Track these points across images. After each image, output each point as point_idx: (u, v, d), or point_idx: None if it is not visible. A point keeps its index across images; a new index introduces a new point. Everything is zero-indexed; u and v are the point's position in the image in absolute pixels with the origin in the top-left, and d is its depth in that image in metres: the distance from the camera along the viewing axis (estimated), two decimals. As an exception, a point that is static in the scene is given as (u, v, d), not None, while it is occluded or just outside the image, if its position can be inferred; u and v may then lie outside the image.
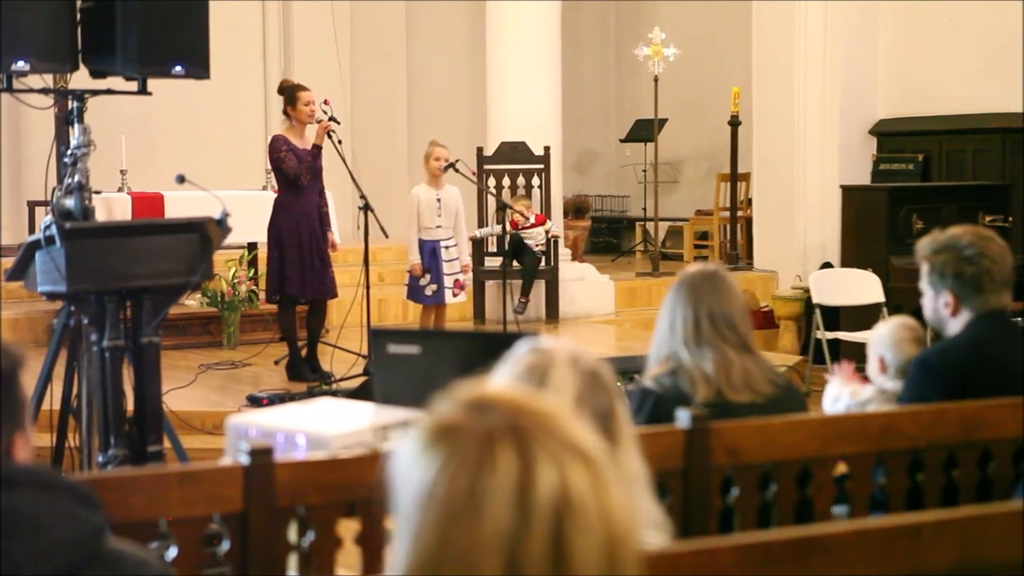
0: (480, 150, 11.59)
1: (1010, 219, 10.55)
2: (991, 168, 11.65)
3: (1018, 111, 11.51)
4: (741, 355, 3.77)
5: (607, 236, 16.74)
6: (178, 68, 5.89)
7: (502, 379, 2.52)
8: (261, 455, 3.04)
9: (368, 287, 8.77)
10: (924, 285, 4.09)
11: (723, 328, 3.77)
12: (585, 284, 11.98)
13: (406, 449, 1.40)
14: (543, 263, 11.30)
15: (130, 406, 5.57)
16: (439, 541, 1.34)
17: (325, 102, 8.78)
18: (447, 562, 1.33)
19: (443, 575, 1.33)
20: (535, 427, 1.37)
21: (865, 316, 9.73)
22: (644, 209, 15.05)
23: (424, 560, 1.34)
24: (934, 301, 4.07)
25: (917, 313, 4.44)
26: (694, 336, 3.77)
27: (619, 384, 7.86)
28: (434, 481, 1.35)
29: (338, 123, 8.72)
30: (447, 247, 9.49)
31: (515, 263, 11.05)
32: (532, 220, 11.12)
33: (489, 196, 11.12)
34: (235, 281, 10.11)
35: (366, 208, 8.61)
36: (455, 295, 9.63)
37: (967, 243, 3.98)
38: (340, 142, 8.68)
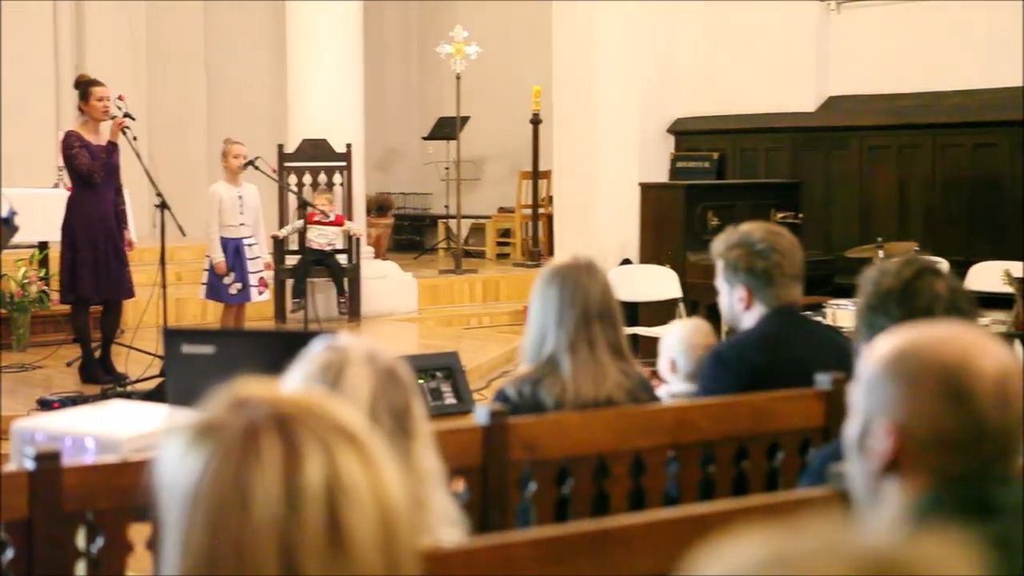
0: (281, 147, 11.47)
1: (800, 215, 10.86)
2: (783, 166, 11.99)
3: (809, 111, 11.88)
4: (614, 361, 3.77)
5: (410, 234, 16.73)
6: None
7: (297, 377, 2.49)
8: (47, 460, 2.95)
9: (165, 286, 8.61)
10: (719, 281, 4.17)
11: (603, 326, 3.76)
12: (387, 282, 11.96)
13: (169, 452, 1.38)
14: (345, 261, 11.25)
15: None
16: (209, 539, 1.33)
17: (120, 98, 8.59)
18: (220, 560, 1.32)
19: (217, 574, 1.31)
20: (297, 415, 1.37)
21: (663, 311, 9.91)
22: (447, 207, 15.09)
23: (196, 561, 1.33)
24: (729, 296, 4.15)
25: (714, 308, 4.53)
26: (573, 336, 3.74)
27: (421, 382, 7.80)
28: (199, 480, 1.34)
29: (133, 119, 8.53)
30: (250, 245, 9.38)
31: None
32: (332, 217, 11.05)
33: (290, 194, 11.02)
34: (25, 281, 9.81)
35: (163, 206, 8.44)
36: (260, 293, 9.52)
37: (758, 239, 4.07)
38: (135, 139, 8.49)
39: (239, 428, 1.36)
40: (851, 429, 1.96)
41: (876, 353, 1.94)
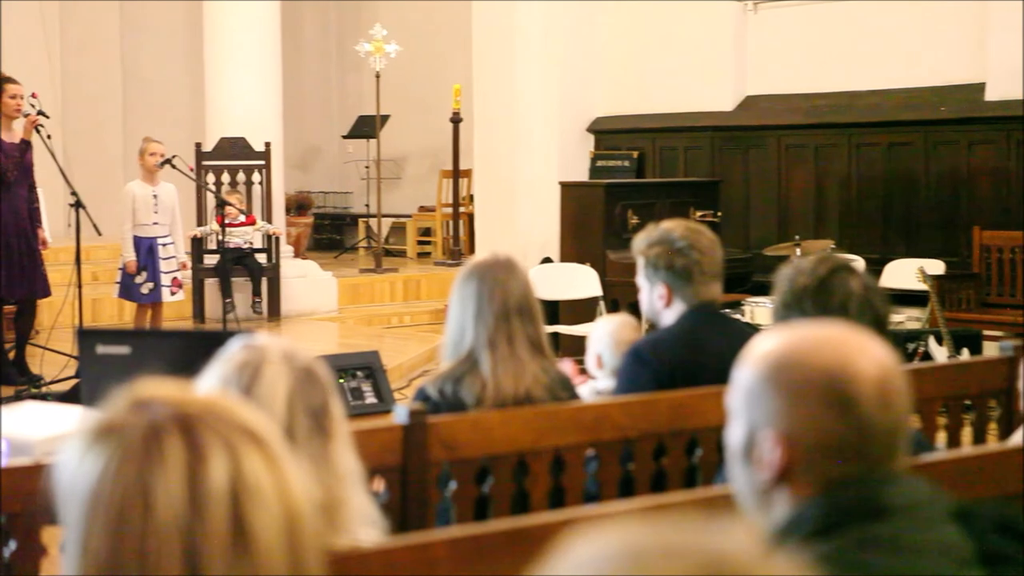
0: (199, 146, 11.37)
1: (719, 214, 10.93)
2: (702, 165, 12.08)
3: (727, 110, 11.97)
4: (533, 358, 3.77)
5: (330, 233, 16.65)
6: None
7: (213, 377, 2.47)
8: (-43, 463, 2.90)
9: (80, 286, 8.50)
10: (640, 279, 4.19)
11: (523, 322, 3.76)
12: (307, 281, 11.90)
13: (69, 453, 1.37)
14: (265, 260, 11.18)
15: None
16: (112, 541, 1.32)
17: (33, 95, 8.48)
18: (122, 561, 1.31)
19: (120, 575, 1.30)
20: (201, 415, 1.37)
21: (583, 310, 9.94)
22: (367, 205, 15.04)
23: (98, 563, 1.31)
24: (649, 294, 4.16)
25: (634, 306, 4.55)
26: (492, 332, 3.74)
27: (342, 381, 7.75)
28: (100, 481, 1.33)
29: (47, 117, 8.43)
30: (164, 244, 9.29)
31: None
32: (243, 218, 10.98)
33: (208, 193, 10.93)
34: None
35: (78, 205, 8.35)
36: (173, 293, 9.43)
37: (678, 236, 4.09)
38: (49, 137, 8.38)
39: (141, 429, 1.35)
40: (734, 437, 1.95)
41: (754, 359, 1.93)
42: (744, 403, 1.93)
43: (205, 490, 1.32)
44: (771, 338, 1.96)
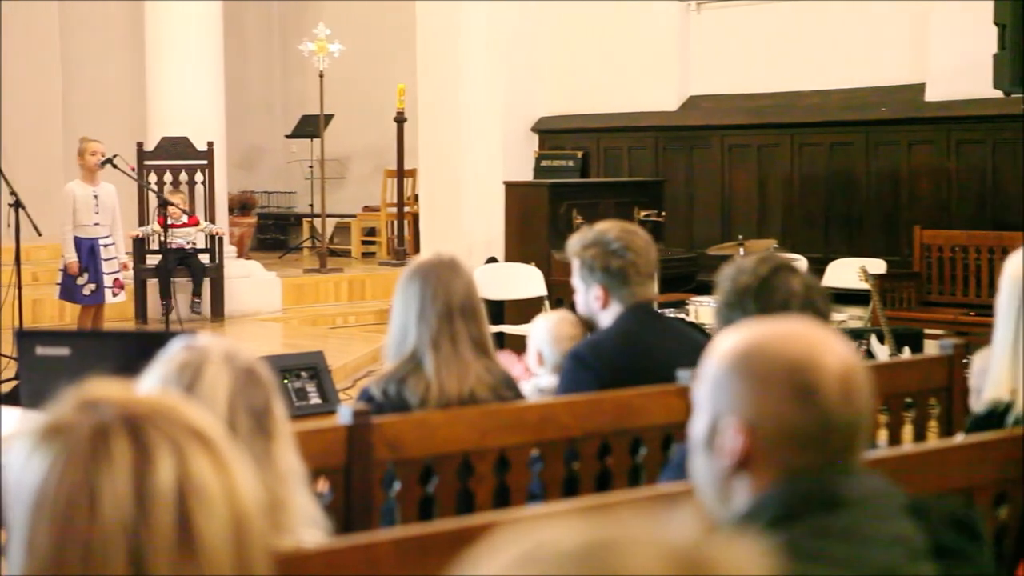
0: (140, 145, 11.28)
1: (663, 214, 10.98)
2: (646, 165, 12.12)
3: (670, 110, 12.02)
4: (477, 357, 3.76)
5: (274, 233, 16.58)
6: None
7: (154, 378, 2.46)
8: None
9: (20, 287, 8.42)
10: (575, 280, 4.20)
11: (466, 322, 3.75)
12: (251, 282, 11.84)
13: (15, 455, 1.36)
14: (208, 261, 11.11)
15: None
16: (57, 541, 1.31)
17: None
18: (67, 562, 1.30)
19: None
20: (149, 416, 1.36)
21: (528, 309, 9.94)
22: (311, 205, 14.97)
23: (43, 563, 1.31)
24: (585, 295, 4.18)
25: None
26: (435, 332, 3.73)
27: (286, 382, 7.68)
28: (46, 481, 1.33)
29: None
30: (105, 245, 9.21)
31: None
32: (185, 219, 10.92)
33: (150, 193, 10.85)
34: None
35: (17, 205, 8.26)
36: (115, 295, 9.36)
37: (613, 237, 4.10)
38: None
39: (88, 429, 1.34)
40: (697, 427, 1.97)
41: (721, 351, 1.96)
42: (709, 392, 1.96)
43: (151, 491, 1.32)
44: (737, 332, 1.99)
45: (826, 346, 1.93)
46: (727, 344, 1.96)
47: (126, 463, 1.32)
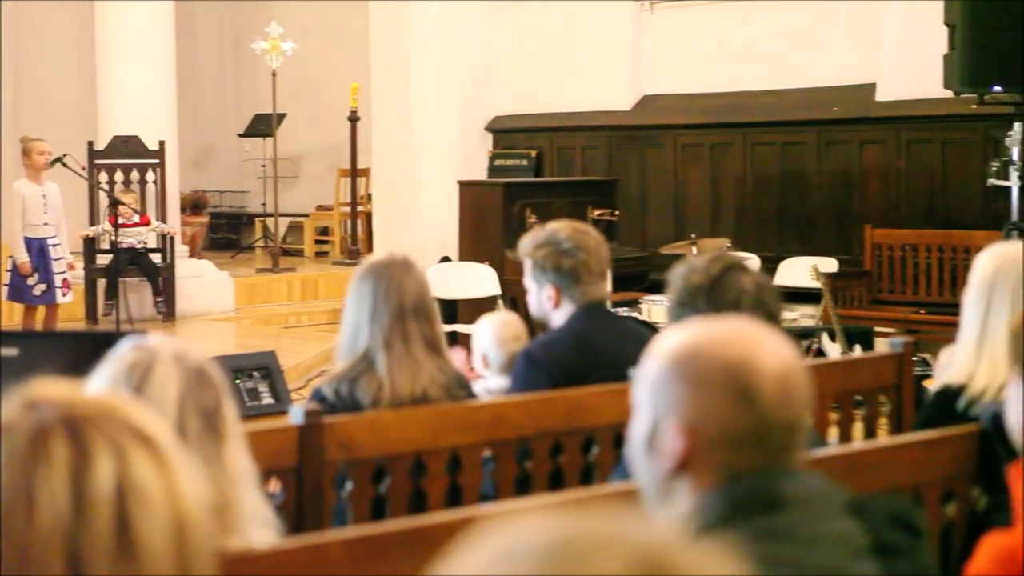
0: (91, 144, 11.19)
1: (617, 212, 11.00)
2: (599, 164, 12.14)
3: (624, 110, 12.04)
4: (430, 357, 3.75)
5: (226, 232, 16.48)
6: None
7: (103, 378, 2.44)
8: None
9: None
10: (527, 280, 4.20)
11: (419, 322, 3.74)
12: (203, 281, 11.77)
13: None
14: (159, 260, 11.05)
15: None
16: None
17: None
18: (4, 564, 1.29)
19: None
20: (91, 417, 1.35)
21: (482, 308, 9.93)
22: (264, 204, 14.91)
23: None
24: (537, 295, 4.18)
25: (529, 304, 4.55)
26: (388, 332, 3.71)
27: (238, 382, 7.64)
28: None
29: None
30: (54, 245, 9.15)
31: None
32: (137, 219, 10.85)
33: (100, 192, 10.77)
34: None
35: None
36: (64, 294, 9.29)
37: (565, 237, 4.11)
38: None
39: (28, 430, 1.33)
40: (637, 429, 1.97)
41: (660, 353, 1.96)
42: (649, 394, 1.95)
43: (89, 492, 1.31)
44: (676, 333, 1.99)
45: (764, 346, 1.93)
46: (666, 346, 1.96)
47: (64, 464, 1.31)
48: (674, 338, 1.97)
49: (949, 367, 3.46)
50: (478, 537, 1.13)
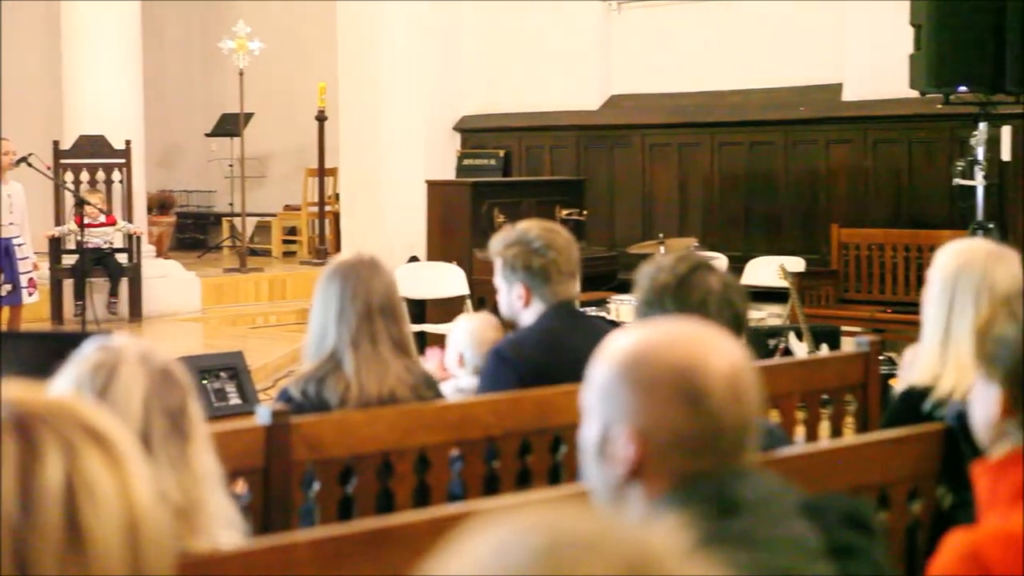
0: (57, 144, 11.13)
1: (585, 212, 11.01)
2: (567, 164, 12.15)
3: (592, 109, 12.06)
4: (397, 357, 3.75)
5: (193, 232, 16.42)
6: None
7: (68, 378, 2.43)
8: None
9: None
10: (498, 280, 4.21)
11: (386, 322, 3.73)
12: (169, 281, 11.71)
13: None
14: (126, 260, 11.00)
15: None
16: None
17: None
18: None
19: None
20: (42, 415, 1.35)
21: (450, 308, 9.93)
22: (231, 204, 14.86)
23: None
24: (508, 294, 4.18)
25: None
26: (355, 332, 3.71)
27: (205, 382, 7.60)
28: None
29: None
30: (19, 245, 9.10)
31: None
32: (103, 219, 10.79)
33: (66, 192, 10.71)
34: None
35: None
36: (30, 294, 9.25)
37: (535, 236, 4.12)
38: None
39: None
40: (588, 435, 1.96)
41: (608, 357, 1.94)
42: (598, 400, 1.94)
43: (38, 489, 1.30)
44: (624, 336, 1.97)
45: (712, 348, 1.92)
46: (613, 351, 1.94)
47: (12, 461, 1.31)
48: (621, 342, 1.95)
49: (913, 366, 3.47)
50: (464, 538, 1.13)
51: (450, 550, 1.13)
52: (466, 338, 4.56)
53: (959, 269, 3.34)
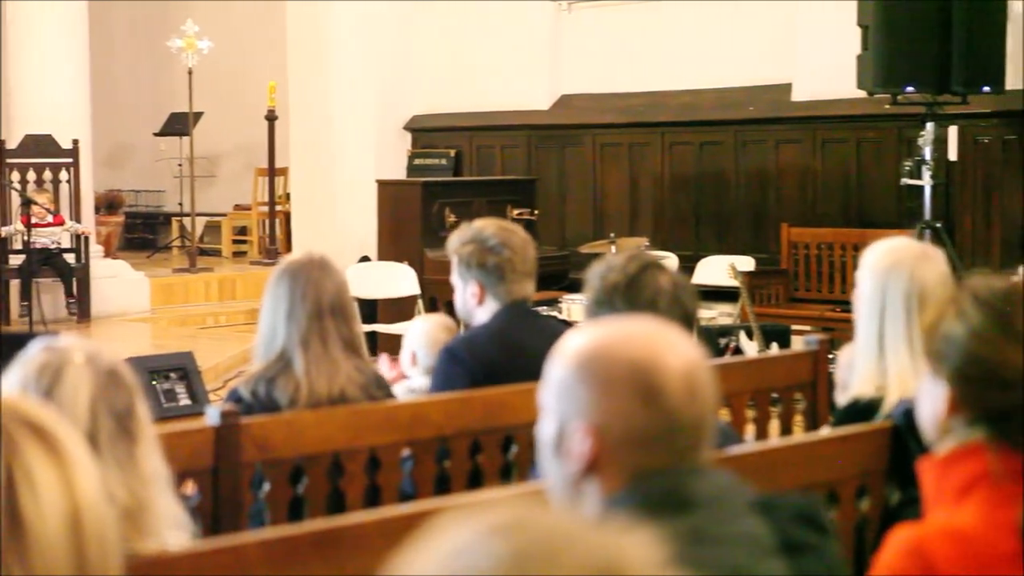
0: (2, 143, 11.02)
1: (536, 212, 11.02)
2: (518, 163, 12.16)
3: (543, 109, 12.07)
4: (347, 357, 3.73)
5: (142, 232, 16.31)
6: None
7: (14, 379, 2.41)
8: None
9: None
10: (454, 278, 4.21)
11: (336, 322, 3.71)
12: (118, 282, 11.63)
13: None
14: (74, 260, 10.91)
15: None
16: None
17: None
18: None
19: None
20: None
21: (401, 308, 9.92)
22: (181, 204, 14.77)
23: None
24: (463, 293, 4.18)
25: (452, 304, 4.56)
26: (305, 332, 3.68)
27: (154, 383, 7.55)
28: None
29: None
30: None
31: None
32: (50, 219, 10.70)
33: (12, 192, 10.61)
34: None
35: None
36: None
37: (491, 234, 4.12)
38: None
39: None
40: (545, 431, 1.97)
41: (564, 354, 1.96)
42: (555, 396, 1.95)
43: None
44: (581, 333, 1.98)
45: (668, 345, 1.93)
46: (570, 347, 1.96)
47: None
48: (578, 339, 1.97)
49: (852, 373, 3.48)
50: (426, 540, 1.12)
51: (411, 552, 1.12)
52: (420, 338, 4.57)
53: (887, 271, 3.36)
